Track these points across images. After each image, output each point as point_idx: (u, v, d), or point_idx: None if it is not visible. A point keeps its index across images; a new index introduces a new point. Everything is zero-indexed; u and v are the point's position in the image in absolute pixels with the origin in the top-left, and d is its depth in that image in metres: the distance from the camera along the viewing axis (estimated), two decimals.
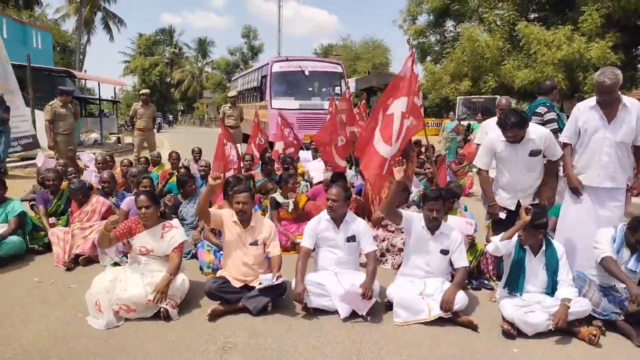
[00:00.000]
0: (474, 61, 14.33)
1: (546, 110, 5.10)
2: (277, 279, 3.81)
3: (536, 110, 5.12)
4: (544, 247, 3.75)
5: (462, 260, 4.01)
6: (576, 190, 4.23)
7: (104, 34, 43.74)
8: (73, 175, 6.52)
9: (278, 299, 3.95)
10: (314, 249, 4.19)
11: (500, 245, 3.84)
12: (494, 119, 5.18)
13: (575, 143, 4.28)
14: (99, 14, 42.44)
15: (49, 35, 20.60)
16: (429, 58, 19.56)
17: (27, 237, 5.21)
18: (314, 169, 7.09)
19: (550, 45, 13.38)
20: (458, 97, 18.52)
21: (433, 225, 4.01)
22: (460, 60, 15.94)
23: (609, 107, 4.04)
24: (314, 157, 8.91)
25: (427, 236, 4.02)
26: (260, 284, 3.83)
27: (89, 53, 53.51)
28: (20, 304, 3.95)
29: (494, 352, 3.33)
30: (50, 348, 3.22)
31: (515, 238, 3.81)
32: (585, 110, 4.19)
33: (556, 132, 4.81)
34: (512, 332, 3.52)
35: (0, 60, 12.26)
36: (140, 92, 10.94)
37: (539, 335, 3.53)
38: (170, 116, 37.84)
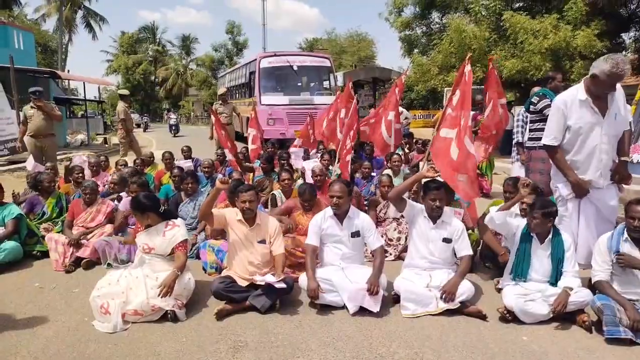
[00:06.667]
0: (461, 52, 14.32)
1: (538, 99, 5.30)
2: (279, 281, 3.74)
3: (531, 100, 5.27)
4: (550, 235, 3.76)
5: (465, 248, 4.01)
6: (583, 193, 3.95)
7: (86, 32, 43.10)
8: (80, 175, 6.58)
9: (286, 296, 3.93)
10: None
11: (495, 216, 3.89)
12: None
13: (561, 142, 3.98)
14: (80, 13, 41.79)
15: (30, 36, 20.11)
16: (416, 50, 19.56)
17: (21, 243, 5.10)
18: (310, 168, 6.89)
19: (536, 34, 13.43)
20: (445, 89, 18.56)
21: (435, 214, 4.01)
22: (447, 51, 15.93)
23: (601, 99, 3.78)
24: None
25: (429, 225, 4.04)
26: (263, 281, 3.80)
27: (70, 53, 52.81)
28: (23, 310, 3.89)
29: (504, 341, 3.35)
30: (61, 354, 3.17)
31: (522, 224, 3.85)
32: (575, 106, 3.85)
33: None
34: (508, 317, 3.57)
35: None
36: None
37: (547, 322, 3.57)
38: (173, 116, 32.79)
